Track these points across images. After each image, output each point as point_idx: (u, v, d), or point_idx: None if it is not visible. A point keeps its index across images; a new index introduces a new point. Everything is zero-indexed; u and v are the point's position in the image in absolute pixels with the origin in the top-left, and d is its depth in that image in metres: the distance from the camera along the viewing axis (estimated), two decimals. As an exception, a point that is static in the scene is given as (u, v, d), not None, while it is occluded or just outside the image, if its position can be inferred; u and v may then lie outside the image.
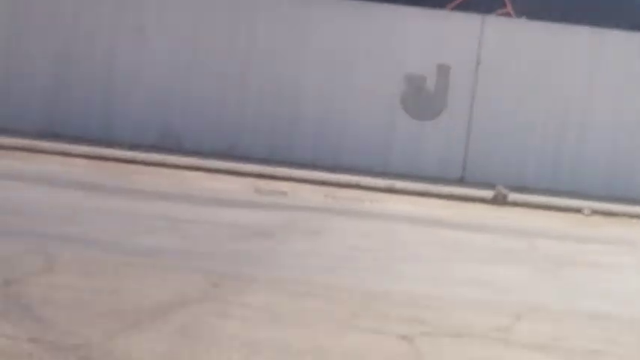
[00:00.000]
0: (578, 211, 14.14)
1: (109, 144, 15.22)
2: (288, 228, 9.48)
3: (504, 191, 14.36)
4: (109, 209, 9.39)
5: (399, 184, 14.63)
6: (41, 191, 10.16)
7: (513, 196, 14.39)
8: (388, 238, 9.64)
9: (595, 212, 14.13)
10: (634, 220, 13.67)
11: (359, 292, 6.57)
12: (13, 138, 14.32)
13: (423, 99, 15.97)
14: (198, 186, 12.60)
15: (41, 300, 5.34)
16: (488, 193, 14.47)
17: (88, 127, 15.75)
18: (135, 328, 4.97)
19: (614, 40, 15.67)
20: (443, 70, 15.90)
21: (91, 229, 7.96)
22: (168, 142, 15.83)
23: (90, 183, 11.44)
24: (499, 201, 14.27)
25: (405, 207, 12.77)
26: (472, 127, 15.92)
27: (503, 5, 16.73)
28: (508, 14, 16.62)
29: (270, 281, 6.62)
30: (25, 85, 15.63)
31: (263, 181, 13.87)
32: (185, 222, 9.13)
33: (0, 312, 5.00)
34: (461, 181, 15.98)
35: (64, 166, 13.05)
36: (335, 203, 12.42)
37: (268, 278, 6.72)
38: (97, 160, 14.05)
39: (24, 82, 15.63)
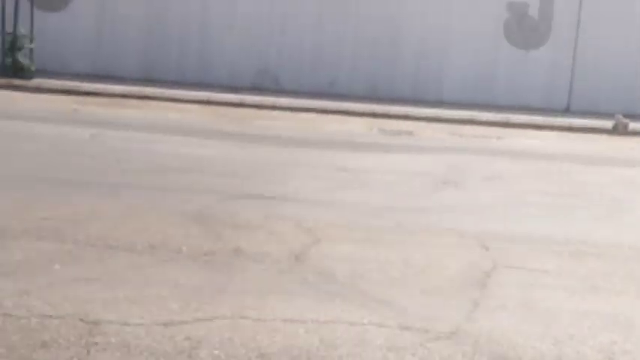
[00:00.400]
0: None
1: (209, 87, 14.77)
2: (461, 174, 9.06)
3: (624, 120, 13.94)
4: (279, 161, 8.97)
5: (514, 117, 14.21)
6: (194, 143, 9.71)
7: (632, 125, 13.98)
8: (566, 180, 9.24)
9: None
10: None
11: (637, 250, 6.20)
12: (119, 85, 13.85)
13: (526, 27, 15.42)
14: (325, 129, 12.17)
15: (358, 276, 4.97)
16: (605, 123, 14.07)
17: (184, 71, 15.25)
18: (479, 308, 4.61)
19: None
20: (546, -4, 15.34)
21: (294, 188, 7.56)
22: (265, 83, 15.36)
23: (223, 131, 11.00)
24: (619, 130, 13.87)
25: (530, 141, 12.38)
26: (578, 54, 15.41)
27: None
28: None
29: (530, 239, 6.25)
30: (120, 32, 15.04)
31: (379, 120, 13.44)
32: (361, 172, 8.72)
33: (334, 293, 4.63)
34: (567, 111, 15.55)
35: (181, 112, 12.61)
36: (469, 142, 12.01)
37: (522, 235, 6.35)
38: (205, 104, 13.62)
39: (119, 29, 15.03)
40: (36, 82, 13.44)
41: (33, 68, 13.51)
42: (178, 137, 10.07)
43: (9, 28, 13.50)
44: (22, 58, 13.48)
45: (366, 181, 8.24)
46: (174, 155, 8.71)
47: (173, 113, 12.47)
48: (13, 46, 13.39)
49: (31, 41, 13.61)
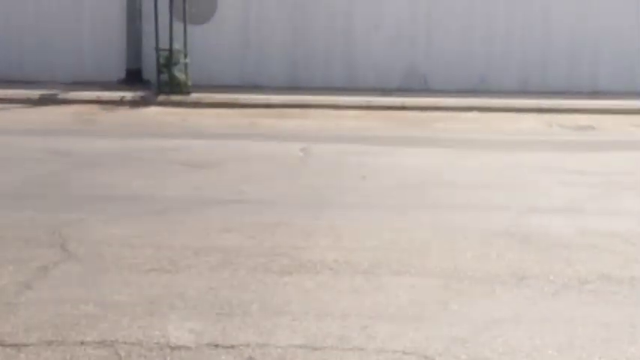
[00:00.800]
0: None
1: (357, 91, 14.33)
2: None
3: None
4: (504, 167, 8.50)
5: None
6: (407, 153, 9.26)
7: None
8: None
9: None
10: None
11: None
12: (274, 95, 13.49)
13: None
14: (504, 129, 11.66)
15: None
16: None
17: (330, 76, 14.86)
18: None
19: None
20: (703, -25, 14.63)
21: (558, 197, 7.09)
22: (414, 83, 14.90)
23: (415, 137, 10.58)
24: None
25: None
26: None
27: None
28: None
29: None
30: (265, 41, 14.69)
31: (549, 116, 12.88)
32: (595, 174, 8.20)
33: None
34: None
35: (352, 119, 12.20)
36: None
37: None
38: (365, 109, 13.18)
39: (264, 38, 14.68)
40: (194, 96, 13.14)
41: (189, 83, 13.22)
42: (382, 147, 9.59)
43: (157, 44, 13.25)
44: (177, 73, 13.20)
45: (613, 185, 7.72)
46: (407, 167, 8.29)
47: (344, 120, 12.04)
48: (169, 62, 13.11)
49: (186, 56, 13.31)
